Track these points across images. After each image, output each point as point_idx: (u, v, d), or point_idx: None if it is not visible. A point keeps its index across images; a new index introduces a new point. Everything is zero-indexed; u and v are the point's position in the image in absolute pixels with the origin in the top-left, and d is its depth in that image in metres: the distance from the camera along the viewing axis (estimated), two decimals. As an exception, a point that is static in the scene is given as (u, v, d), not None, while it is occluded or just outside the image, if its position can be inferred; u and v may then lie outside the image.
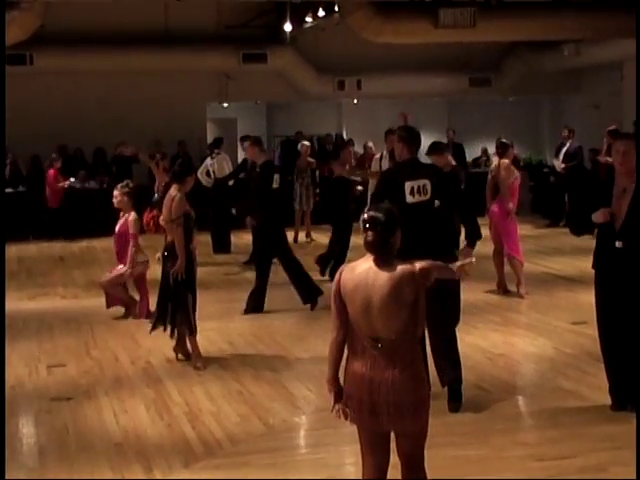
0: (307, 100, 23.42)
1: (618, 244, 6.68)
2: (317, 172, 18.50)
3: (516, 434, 6.73)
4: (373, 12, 18.19)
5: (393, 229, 4.46)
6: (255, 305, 11.00)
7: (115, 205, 10.86)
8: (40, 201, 19.07)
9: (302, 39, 21.57)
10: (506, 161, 11.88)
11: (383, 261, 4.44)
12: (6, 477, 5.52)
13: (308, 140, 19.49)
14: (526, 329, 10.08)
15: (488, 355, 8.86)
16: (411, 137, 7.63)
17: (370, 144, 20.01)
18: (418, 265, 4.43)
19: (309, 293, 11.10)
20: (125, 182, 11.05)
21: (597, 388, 7.56)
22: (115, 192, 10.85)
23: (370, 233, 4.42)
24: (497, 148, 12.57)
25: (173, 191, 8.78)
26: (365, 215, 4.48)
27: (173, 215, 8.60)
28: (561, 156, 19.01)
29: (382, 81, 22.38)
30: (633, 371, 6.76)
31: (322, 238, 16.03)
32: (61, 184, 18.67)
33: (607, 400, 7.13)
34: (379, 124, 22.33)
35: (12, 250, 17.52)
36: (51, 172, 18.62)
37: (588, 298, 11.22)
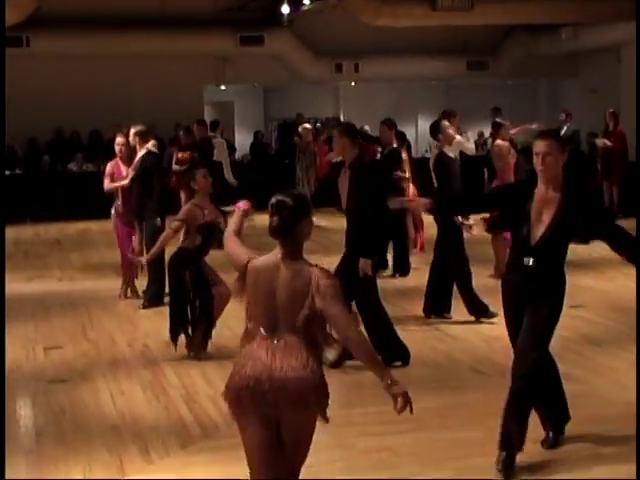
0: (304, 83, 23.38)
1: (527, 261, 5.62)
2: (317, 155, 18.47)
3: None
4: (371, -5, 18.16)
5: (300, 216, 4.18)
6: None
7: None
8: (36, 183, 19.07)
9: (299, 22, 21.52)
10: (499, 141, 11.93)
11: (288, 253, 4.21)
12: (6, 477, 5.51)
13: (308, 123, 19.47)
14: (522, 312, 10.07)
15: (484, 337, 8.86)
16: (353, 131, 7.91)
17: (367, 127, 19.98)
18: (323, 282, 4.14)
19: None
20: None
21: (592, 371, 7.59)
22: (119, 139, 10.84)
23: (275, 218, 4.17)
24: (492, 129, 12.59)
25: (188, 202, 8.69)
26: (272, 199, 4.23)
27: (177, 216, 8.46)
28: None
29: (380, 64, 22.35)
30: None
31: (321, 222, 16.01)
32: None
33: (602, 383, 7.15)
34: (377, 107, 22.34)
35: (9, 232, 17.47)
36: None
37: (585, 281, 11.33)
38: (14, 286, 12.07)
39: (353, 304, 7.78)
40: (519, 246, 5.71)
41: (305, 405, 4.21)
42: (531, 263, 5.62)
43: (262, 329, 4.26)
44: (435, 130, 9.93)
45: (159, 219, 10.43)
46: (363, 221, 7.78)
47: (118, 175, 10.77)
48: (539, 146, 5.64)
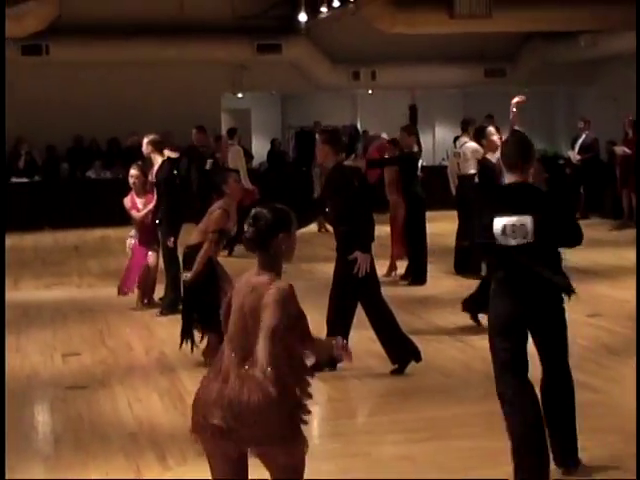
0: (322, 91, 23.39)
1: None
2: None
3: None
4: (388, 2, 18.19)
5: (277, 229, 4.01)
6: None
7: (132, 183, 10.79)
8: (55, 190, 19.18)
9: (317, 30, 21.55)
10: None
11: (261, 268, 4.03)
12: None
13: (328, 130, 19.47)
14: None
15: (502, 346, 8.83)
16: (335, 139, 7.96)
17: (384, 135, 19.97)
18: (267, 298, 3.92)
19: None
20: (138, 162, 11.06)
21: (612, 380, 7.55)
22: (133, 171, 10.82)
23: (250, 229, 4.02)
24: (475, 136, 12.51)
25: (215, 207, 8.42)
26: (252, 210, 4.11)
27: (209, 228, 8.29)
28: (577, 148, 18.94)
29: (397, 72, 22.34)
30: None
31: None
32: None
33: (622, 393, 7.12)
34: (394, 115, 22.32)
35: (28, 239, 17.60)
36: None
37: (600, 289, 11.28)
38: (33, 293, 12.16)
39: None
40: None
41: (270, 442, 3.92)
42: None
43: (233, 353, 4.01)
44: (480, 135, 9.90)
45: (172, 238, 10.38)
46: (348, 225, 7.77)
47: (134, 209, 10.76)
48: None
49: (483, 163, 9.92)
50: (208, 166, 15.65)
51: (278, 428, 3.89)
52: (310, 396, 4.06)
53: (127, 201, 10.82)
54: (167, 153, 10.73)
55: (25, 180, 19.53)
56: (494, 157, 9.65)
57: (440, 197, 14.33)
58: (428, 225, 12.44)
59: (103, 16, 20.09)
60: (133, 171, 10.78)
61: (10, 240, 17.47)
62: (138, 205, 10.73)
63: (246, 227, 4.06)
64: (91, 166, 20.39)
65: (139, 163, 11.02)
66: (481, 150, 12.00)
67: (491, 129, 10.07)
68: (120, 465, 6.02)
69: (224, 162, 15.86)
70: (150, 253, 10.71)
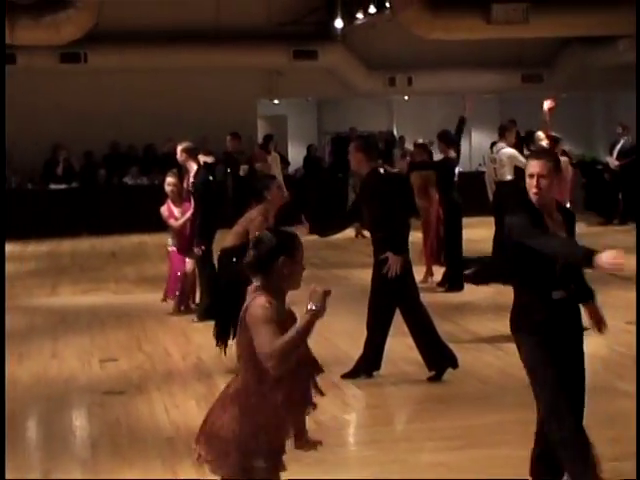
0: (358, 97, 23.39)
1: (556, 295, 5.05)
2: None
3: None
4: (425, 8, 18.15)
5: (278, 253, 3.90)
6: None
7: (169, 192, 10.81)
8: (92, 196, 19.33)
9: (353, 36, 21.56)
10: (564, 159, 11.75)
11: (260, 290, 3.93)
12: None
13: (362, 136, 19.46)
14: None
15: (540, 354, 8.76)
16: (368, 146, 7.96)
17: (421, 141, 19.92)
18: (248, 314, 3.87)
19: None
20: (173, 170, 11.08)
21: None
22: (170, 179, 10.83)
23: (250, 252, 3.97)
24: (524, 141, 12.37)
25: (255, 212, 8.37)
26: (258, 234, 4.13)
27: (251, 235, 8.06)
28: (615, 153, 18.79)
29: (433, 78, 22.30)
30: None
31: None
32: None
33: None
34: (430, 121, 22.28)
35: (65, 245, 17.74)
36: None
37: (634, 296, 11.15)
38: (70, 299, 12.24)
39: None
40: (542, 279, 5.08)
41: (222, 465, 3.98)
42: (566, 295, 5.09)
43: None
44: (528, 140, 9.74)
45: (202, 247, 10.36)
46: (384, 231, 7.75)
47: (172, 217, 10.74)
48: (533, 166, 5.04)
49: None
50: (242, 172, 15.72)
51: (229, 470, 3.92)
52: (282, 448, 4.01)
53: (164, 210, 10.82)
54: (202, 158, 10.73)
55: (63, 186, 19.69)
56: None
57: (477, 203, 14.26)
58: (464, 231, 12.38)
59: (140, 24, 20.22)
60: (170, 179, 10.78)
61: (48, 246, 17.66)
62: (175, 214, 10.75)
63: (249, 252, 4.00)
64: (128, 172, 20.52)
65: (174, 171, 11.02)
66: (518, 156, 11.94)
67: (540, 134, 9.87)
68: (157, 470, 6.03)
69: (263, 170, 15.97)
70: (188, 260, 10.73)
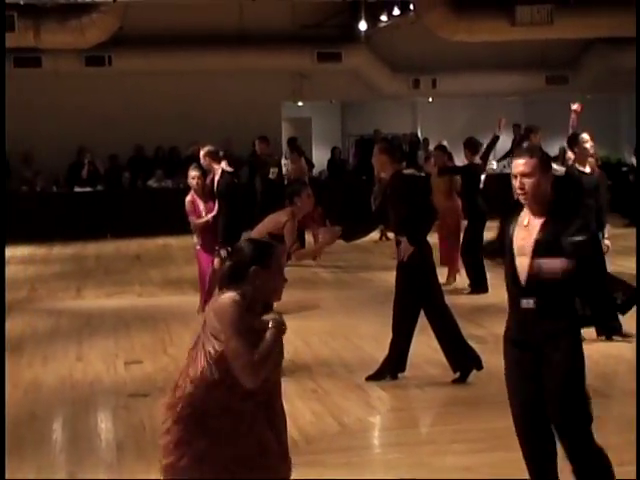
0: (382, 99, 23.36)
1: (526, 303, 4.77)
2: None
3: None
4: (449, 10, 18.12)
5: (252, 263, 3.86)
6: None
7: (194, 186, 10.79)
8: (117, 199, 19.42)
9: (377, 38, 21.54)
10: (590, 160, 11.59)
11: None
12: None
13: (385, 139, 19.44)
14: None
15: (565, 356, 8.71)
16: (392, 148, 8.00)
17: (445, 143, 19.88)
18: (213, 307, 3.86)
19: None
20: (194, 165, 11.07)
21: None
22: (193, 172, 10.81)
23: (227, 264, 3.99)
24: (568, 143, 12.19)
25: (283, 216, 8.33)
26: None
27: (287, 244, 8.09)
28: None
29: (457, 80, 22.24)
30: None
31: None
32: None
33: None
34: (454, 123, 22.23)
35: (90, 248, 17.82)
36: None
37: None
38: (95, 301, 12.29)
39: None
40: (511, 285, 4.86)
41: None
42: (533, 305, 4.74)
43: None
44: (572, 142, 9.52)
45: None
46: (409, 234, 7.74)
47: (197, 212, 10.66)
48: (517, 165, 4.72)
49: (569, 172, 9.33)
50: (272, 175, 15.75)
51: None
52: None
53: (188, 202, 10.67)
54: (223, 167, 10.69)
55: (88, 189, 19.78)
56: (581, 165, 9.28)
57: (500, 205, 14.18)
58: (487, 233, 12.33)
59: (164, 27, 20.28)
60: (194, 172, 10.74)
61: (73, 249, 17.74)
62: (200, 208, 10.69)
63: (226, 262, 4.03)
64: (152, 175, 20.59)
65: (196, 165, 11.01)
66: None
67: (585, 136, 9.60)
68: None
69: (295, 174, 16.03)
70: (216, 260, 10.71)
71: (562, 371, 4.72)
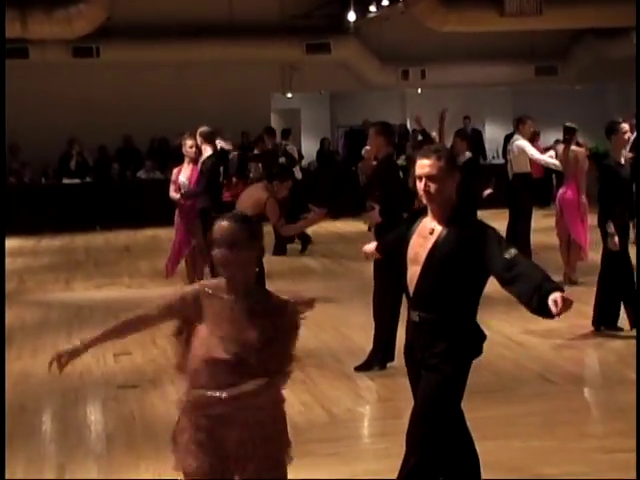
0: (371, 90, 23.36)
1: (413, 315, 4.62)
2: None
3: (582, 426, 6.65)
4: (438, 1, 18.13)
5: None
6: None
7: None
8: (106, 191, 19.39)
9: (366, 29, 21.52)
10: (575, 147, 11.68)
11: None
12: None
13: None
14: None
15: (553, 345, 8.76)
16: (389, 130, 8.08)
17: (434, 134, 19.88)
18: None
19: None
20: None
21: None
22: (189, 141, 10.96)
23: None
24: (564, 134, 12.29)
25: (262, 192, 8.52)
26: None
27: (273, 220, 8.39)
28: (628, 145, 18.67)
29: (446, 71, 22.25)
30: None
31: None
32: None
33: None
34: (443, 114, 22.19)
35: (79, 240, 17.79)
36: None
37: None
38: (84, 293, 12.28)
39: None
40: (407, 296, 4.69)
41: None
42: (417, 318, 4.60)
43: None
44: (610, 131, 9.41)
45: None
46: (386, 219, 7.67)
47: (175, 183, 11.01)
48: (421, 166, 4.47)
49: (604, 164, 9.25)
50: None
51: None
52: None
53: (175, 173, 11.11)
54: (220, 143, 10.82)
55: (77, 181, 19.73)
56: (621, 158, 9.19)
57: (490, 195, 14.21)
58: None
59: (152, 18, 20.22)
60: (190, 141, 10.94)
61: (62, 241, 17.71)
62: (181, 176, 10.91)
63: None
64: (141, 166, 20.55)
65: (190, 133, 11.17)
66: (526, 146, 11.93)
67: (625, 125, 9.54)
68: (171, 464, 6.03)
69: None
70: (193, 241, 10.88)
71: (429, 393, 4.68)
